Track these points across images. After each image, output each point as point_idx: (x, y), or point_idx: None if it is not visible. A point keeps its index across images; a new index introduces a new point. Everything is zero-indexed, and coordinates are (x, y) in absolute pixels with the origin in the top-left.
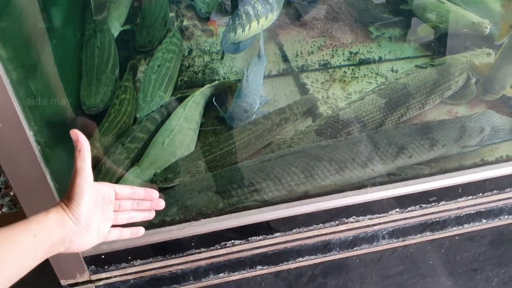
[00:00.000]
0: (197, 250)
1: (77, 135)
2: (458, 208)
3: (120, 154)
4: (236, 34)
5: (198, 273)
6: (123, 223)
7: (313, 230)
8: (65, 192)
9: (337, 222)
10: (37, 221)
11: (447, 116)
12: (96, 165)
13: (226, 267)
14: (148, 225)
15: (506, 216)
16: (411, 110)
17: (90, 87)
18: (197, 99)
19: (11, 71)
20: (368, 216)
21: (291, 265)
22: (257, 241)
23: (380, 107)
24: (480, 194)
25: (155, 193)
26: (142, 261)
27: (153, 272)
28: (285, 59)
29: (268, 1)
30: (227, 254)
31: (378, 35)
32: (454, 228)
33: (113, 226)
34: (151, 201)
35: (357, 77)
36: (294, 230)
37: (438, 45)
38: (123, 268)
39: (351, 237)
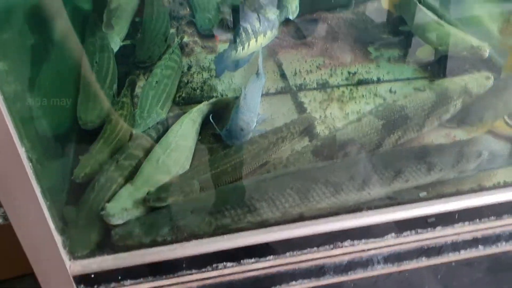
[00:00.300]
0: (188, 272)
1: None
2: (455, 233)
3: (114, 171)
4: (236, 52)
5: None
6: None
7: (307, 253)
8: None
9: (331, 245)
10: None
11: (445, 139)
12: (90, 182)
13: None
14: (139, 244)
15: (504, 243)
16: (409, 132)
17: (87, 102)
18: (194, 116)
19: (7, 84)
20: (363, 240)
21: None
22: (249, 263)
23: (378, 129)
24: (477, 220)
25: None
26: (132, 281)
27: None
28: (283, 77)
29: (267, 18)
30: (218, 276)
31: (377, 55)
32: (450, 254)
33: None
34: None
35: (355, 97)
36: (287, 253)
37: (437, 67)
38: None
39: (346, 261)
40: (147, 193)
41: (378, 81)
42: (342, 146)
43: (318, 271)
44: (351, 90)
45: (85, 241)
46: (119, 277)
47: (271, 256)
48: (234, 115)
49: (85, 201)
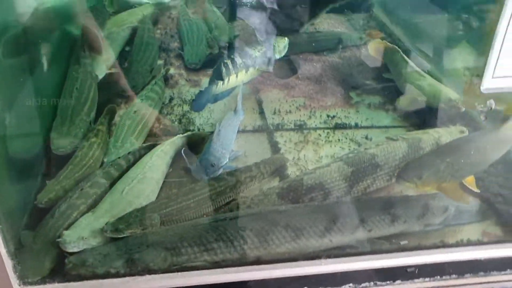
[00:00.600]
0: None
1: None
2: None
3: (77, 198)
4: (216, 86)
5: None
6: None
7: None
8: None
9: None
10: None
11: (414, 191)
12: (51, 206)
13: None
14: (91, 275)
15: None
16: (378, 181)
17: (62, 127)
18: (166, 148)
19: None
20: None
21: None
22: None
23: (346, 175)
24: (438, 277)
25: None
26: None
27: None
28: (262, 115)
29: (251, 55)
30: None
31: (358, 101)
32: None
33: None
34: None
35: (331, 141)
36: None
37: (415, 118)
38: None
39: None
40: (106, 223)
41: (356, 126)
42: (309, 191)
43: None
44: (328, 133)
45: (38, 267)
46: None
47: None
48: (206, 150)
49: (43, 226)
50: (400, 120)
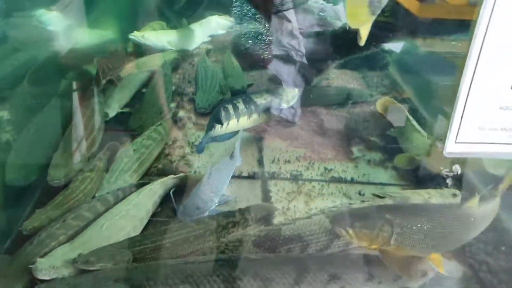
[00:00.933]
0: None
1: None
2: None
3: (58, 228)
4: (214, 129)
5: None
6: None
7: None
8: None
9: None
10: None
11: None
12: (32, 236)
13: None
14: None
15: None
16: None
17: (61, 159)
18: (155, 188)
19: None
20: None
21: None
22: None
23: (327, 229)
24: None
25: None
26: None
27: None
28: (260, 163)
29: (255, 102)
30: None
31: (358, 156)
32: None
33: None
34: None
35: (324, 194)
36: None
37: (413, 177)
38: None
39: None
40: (78, 255)
41: (352, 181)
42: (287, 241)
43: None
44: (322, 186)
45: None
46: None
47: None
48: (194, 192)
49: (21, 253)
50: (397, 178)
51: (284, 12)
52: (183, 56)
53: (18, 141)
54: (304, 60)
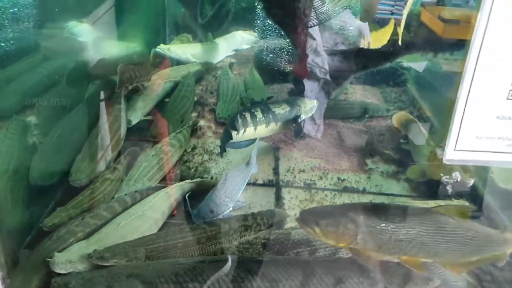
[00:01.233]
0: None
1: None
2: None
3: (77, 226)
4: (230, 135)
5: None
6: None
7: None
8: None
9: None
10: None
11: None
12: (52, 232)
13: None
14: None
15: None
16: None
17: (83, 162)
18: (172, 191)
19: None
20: None
21: None
22: None
23: None
24: None
25: None
26: None
27: None
28: (275, 172)
29: (274, 111)
30: None
31: (372, 167)
32: None
33: None
34: None
35: (336, 202)
36: None
37: (425, 189)
38: None
39: None
40: (93, 250)
41: (363, 191)
42: (295, 245)
43: None
44: (334, 195)
45: (26, 283)
46: None
47: None
48: (209, 196)
49: (40, 247)
50: (409, 190)
51: (308, 29)
52: (207, 68)
53: (44, 144)
54: (328, 77)
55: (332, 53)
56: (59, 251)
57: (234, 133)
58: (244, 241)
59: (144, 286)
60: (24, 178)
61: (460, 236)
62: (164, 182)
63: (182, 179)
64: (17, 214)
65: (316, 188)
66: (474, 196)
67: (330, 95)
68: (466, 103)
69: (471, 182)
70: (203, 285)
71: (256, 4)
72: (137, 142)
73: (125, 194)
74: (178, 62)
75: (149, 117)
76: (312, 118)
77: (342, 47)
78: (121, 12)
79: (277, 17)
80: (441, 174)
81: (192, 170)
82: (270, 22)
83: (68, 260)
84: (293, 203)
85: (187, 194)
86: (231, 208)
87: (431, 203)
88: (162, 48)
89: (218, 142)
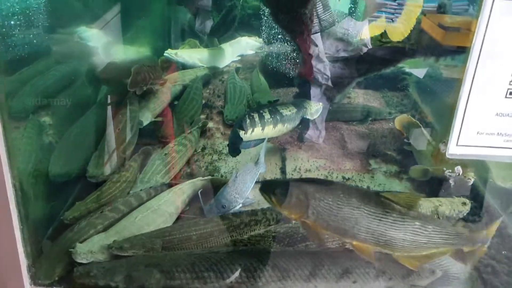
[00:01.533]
0: None
1: None
2: None
3: (96, 218)
4: (238, 134)
5: None
6: None
7: None
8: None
9: None
10: None
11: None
12: (72, 225)
13: None
14: (93, 285)
15: None
16: None
17: (99, 159)
18: (185, 187)
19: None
20: None
21: None
22: None
23: None
24: None
25: None
26: None
27: None
28: (282, 171)
29: (281, 113)
30: None
31: (375, 167)
32: None
33: None
34: None
35: None
36: None
37: (426, 187)
38: None
39: None
40: (113, 241)
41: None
42: (304, 238)
43: None
44: None
45: (50, 272)
46: None
47: None
48: (220, 192)
49: (62, 238)
50: (411, 188)
51: (311, 36)
52: (214, 73)
53: (61, 143)
54: (329, 83)
55: (334, 59)
56: (81, 242)
57: (242, 132)
58: (256, 234)
59: (161, 275)
60: (44, 174)
61: (408, 225)
62: (176, 179)
63: (193, 177)
64: (39, 208)
65: None
66: (475, 194)
67: (331, 100)
68: (467, 101)
69: (471, 181)
70: (217, 274)
71: (261, 11)
72: (148, 142)
73: (141, 190)
74: (183, 67)
75: (159, 119)
76: (314, 123)
77: (344, 54)
78: (127, 18)
79: (283, 22)
80: (444, 169)
81: (203, 169)
82: (275, 28)
83: (89, 250)
84: None
85: (200, 191)
86: (241, 204)
87: (434, 200)
88: (169, 53)
89: (227, 143)
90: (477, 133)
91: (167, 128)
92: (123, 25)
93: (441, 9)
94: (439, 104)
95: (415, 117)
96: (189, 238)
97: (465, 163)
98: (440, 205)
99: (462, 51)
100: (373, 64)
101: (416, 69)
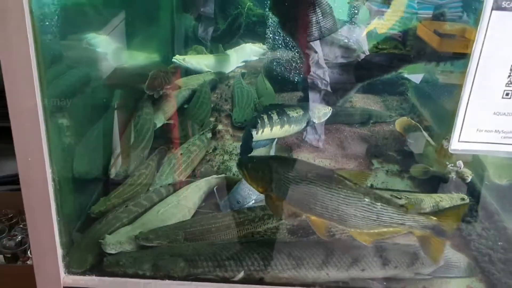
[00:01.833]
0: None
1: None
2: None
3: (122, 212)
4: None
5: None
6: None
7: None
8: (65, 229)
9: None
10: None
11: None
12: (101, 217)
13: None
14: (122, 273)
15: None
16: None
17: (119, 158)
18: (201, 184)
19: (65, 137)
20: None
21: None
22: None
23: None
24: None
25: None
26: None
27: None
28: None
29: (288, 114)
30: None
31: (377, 167)
32: None
33: None
34: None
35: None
36: None
37: (427, 185)
38: None
39: None
40: (139, 232)
41: (371, 187)
42: None
43: None
44: None
45: (82, 261)
46: None
47: None
48: (235, 189)
49: (92, 230)
50: (413, 186)
51: (311, 43)
52: (220, 78)
53: (83, 143)
54: (329, 89)
55: (333, 65)
56: (109, 234)
57: (254, 132)
58: (272, 226)
59: (186, 264)
60: (70, 172)
61: (358, 200)
62: (192, 177)
63: (207, 175)
64: (69, 202)
65: None
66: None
67: (330, 105)
68: (468, 101)
69: (469, 178)
70: (237, 263)
71: (265, 19)
72: (163, 142)
73: (160, 187)
74: (187, 72)
75: (171, 121)
76: (313, 127)
77: (342, 60)
78: (132, 24)
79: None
80: (447, 163)
81: (215, 168)
82: (279, 35)
83: (117, 241)
84: None
85: (215, 187)
86: (253, 200)
87: (434, 196)
88: (177, 59)
89: (236, 144)
90: (477, 130)
91: (180, 130)
92: (131, 31)
93: (442, 17)
94: (436, 107)
95: (414, 120)
96: (208, 230)
97: (464, 162)
98: (440, 200)
99: (459, 57)
100: (371, 70)
101: (413, 74)
